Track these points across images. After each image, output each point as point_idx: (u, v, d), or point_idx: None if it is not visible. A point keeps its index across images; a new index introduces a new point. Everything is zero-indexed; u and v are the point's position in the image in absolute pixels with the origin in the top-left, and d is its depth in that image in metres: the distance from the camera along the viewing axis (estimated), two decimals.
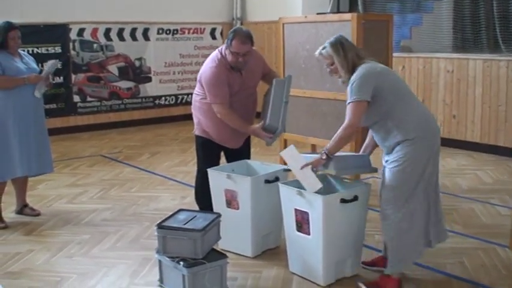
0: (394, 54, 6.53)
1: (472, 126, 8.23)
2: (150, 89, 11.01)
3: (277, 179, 4.48)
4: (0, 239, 5.13)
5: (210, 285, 3.89)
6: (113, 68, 10.52)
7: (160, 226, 3.95)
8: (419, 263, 4.28)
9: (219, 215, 4.17)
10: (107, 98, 10.53)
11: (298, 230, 4.12)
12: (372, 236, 4.90)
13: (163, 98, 11.18)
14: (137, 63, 10.79)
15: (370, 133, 4.13)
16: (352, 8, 10.06)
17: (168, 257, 3.93)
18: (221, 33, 11.47)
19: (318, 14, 6.08)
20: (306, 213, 4.00)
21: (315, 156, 4.05)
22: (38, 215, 5.72)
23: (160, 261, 4.08)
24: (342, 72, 3.95)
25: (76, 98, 10.18)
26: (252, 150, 5.37)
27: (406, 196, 3.80)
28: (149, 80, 10.97)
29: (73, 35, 10.01)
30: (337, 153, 3.97)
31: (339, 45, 3.96)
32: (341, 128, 3.86)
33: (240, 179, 4.51)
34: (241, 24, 11.56)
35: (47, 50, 9.62)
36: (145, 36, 10.80)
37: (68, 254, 4.78)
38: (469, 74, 8.18)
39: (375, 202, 4.44)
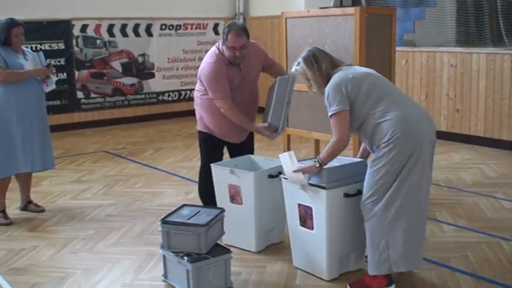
0: (397, 49, 6.52)
1: (476, 120, 8.21)
2: (154, 85, 11.01)
3: (280, 174, 4.47)
4: (5, 235, 5.15)
5: (214, 280, 3.89)
6: (116, 64, 10.53)
7: (164, 221, 3.96)
8: (423, 257, 4.27)
9: (222, 210, 4.18)
10: (110, 94, 10.54)
11: (302, 225, 4.12)
12: None
13: (166, 94, 11.19)
14: (140, 59, 10.79)
15: None
16: (355, 1, 10.02)
17: (172, 252, 3.94)
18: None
19: (320, 8, 6.05)
20: (310, 207, 4.00)
21: (309, 162, 4.02)
22: (43, 211, 5.73)
23: (164, 257, 4.09)
24: (317, 85, 3.93)
25: (79, 95, 10.20)
26: (256, 145, 5.37)
27: (379, 197, 3.72)
28: (152, 76, 10.98)
29: (76, 31, 10.02)
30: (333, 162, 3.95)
31: (312, 58, 3.93)
32: (332, 142, 3.80)
33: (243, 174, 4.52)
34: (244, 19, 11.56)
35: (50, 46, 9.62)
36: (149, 32, 10.80)
37: (73, 250, 4.79)
38: (473, 68, 8.16)
39: None
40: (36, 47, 9.21)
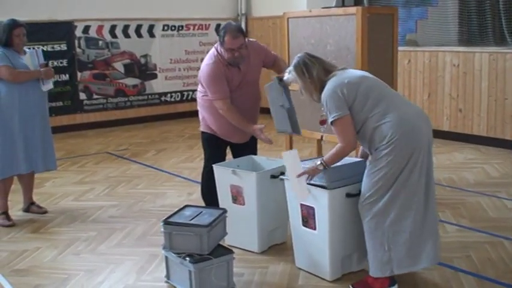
0: (400, 48, 6.50)
1: (479, 120, 8.20)
2: (156, 85, 11.01)
3: (282, 174, 4.46)
4: (7, 236, 5.15)
5: (217, 280, 3.89)
6: (119, 65, 10.53)
7: (166, 222, 3.95)
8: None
9: (225, 211, 4.18)
10: (112, 95, 10.54)
11: (304, 225, 4.12)
12: None
13: (169, 95, 11.19)
14: (143, 60, 10.80)
15: None
16: (357, 1, 10.03)
17: (175, 253, 3.94)
18: None
19: (322, 8, 6.05)
20: (312, 208, 4.00)
21: (311, 164, 3.98)
22: (45, 212, 5.73)
23: (166, 257, 4.09)
24: (308, 93, 3.92)
25: (82, 96, 10.20)
26: (258, 145, 5.35)
27: (378, 199, 3.72)
28: (155, 76, 10.98)
29: (78, 33, 10.03)
30: None
31: (302, 66, 3.89)
32: (338, 146, 3.78)
33: (245, 175, 4.51)
34: (246, 19, 11.56)
35: (53, 47, 9.64)
36: (151, 33, 10.80)
37: (75, 251, 4.79)
38: (475, 68, 8.14)
39: None
40: (38, 48, 9.19)
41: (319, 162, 3.85)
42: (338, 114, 3.72)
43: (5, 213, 5.47)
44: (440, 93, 8.62)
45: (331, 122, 3.77)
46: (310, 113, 6.07)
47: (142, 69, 10.82)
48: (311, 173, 3.89)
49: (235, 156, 5.13)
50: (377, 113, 3.71)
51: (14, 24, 5.33)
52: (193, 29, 11.26)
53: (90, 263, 4.55)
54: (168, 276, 4.14)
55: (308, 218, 4.06)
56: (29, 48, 5.66)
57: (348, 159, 4.18)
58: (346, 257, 4.11)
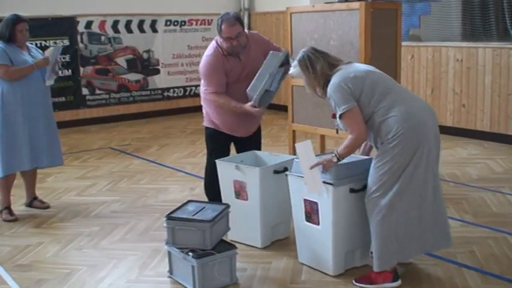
0: (403, 43, 6.49)
1: (482, 115, 8.18)
2: (159, 81, 11.00)
3: (285, 170, 4.46)
4: (10, 231, 5.15)
5: (220, 276, 3.89)
6: (121, 61, 10.52)
7: (169, 217, 3.95)
8: (430, 253, 4.25)
9: (228, 206, 4.17)
10: (115, 91, 10.53)
11: (308, 220, 4.11)
12: None
13: (171, 90, 11.17)
14: (145, 56, 10.79)
15: None
16: None
17: (178, 248, 3.93)
18: None
19: (326, 3, 6.03)
20: (315, 203, 3.99)
21: (325, 157, 3.97)
22: (48, 207, 5.73)
23: (169, 253, 4.09)
24: (310, 88, 3.92)
25: (85, 91, 10.20)
26: (262, 141, 5.33)
27: (384, 193, 3.72)
28: (157, 72, 10.97)
29: (81, 28, 10.02)
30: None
31: (307, 61, 3.88)
32: (350, 138, 3.77)
33: (248, 170, 4.50)
34: (249, 14, 11.54)
35: (55, 43, 9.60)
36: (153, 28, 10.79)
37: (78, 246, 4.79)
38: (479, 63, 8.12)
39: None
40: (40, 44, 9.21)
41: (333, 155, 3.84)
42: (346, 106, 3.71)
43: (8, 208, 5.47)
44: (443, 88, 8.60)
45: (340, 115, 3.76)
46: (313, 109, 6.07)
47: (145, 65, 10.81)
48: (325, 165, 3.87)
49: (239, 151, 5.11)
50: (383, 107, 3.70)
51: (17, 20, 5.32)
52: (196, 24, 11.25)
53: (93, 258, 4.55)
54: (171, 271, 4.13)
55: (311, 213, 4.05)
56: (31, 44, 5.66)
57: (354, 157, 4.18)
58: (349, 253, 4.10)
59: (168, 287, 4.06)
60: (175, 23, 11.01)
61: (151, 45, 10.81)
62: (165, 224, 3.97)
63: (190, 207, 4.10)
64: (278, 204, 4.57)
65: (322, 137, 6.59)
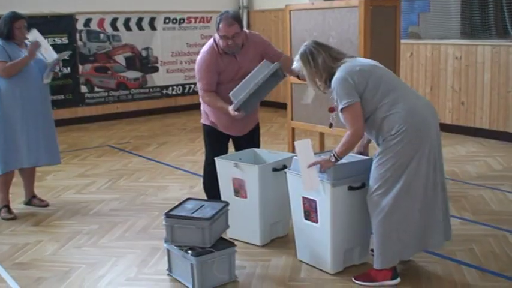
0: (402, 41, 6.48)
1: (481, 113, 8.17)
2: (158, 79, 11.00)
3: (284, 167, 4.45)
4: (9, 230, 5.15)
5: (219, 273, 3.89)
6: (120, 58, 10.52)
7: (168, 215, 3.95)
8: (429, 251, 4.25)
9: (227, 204, 4.17)
10: (114, 89, 10.53)
11: (306, 218, 4.11)
12: None
13: (170, 88, 11.17)
14: (144, 53, 10.78)
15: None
16: None
17: (177, 246, 3.93)
18: None
19: (325, 0, 6.03)
20: (314, 201, 3.99)
21: (323, 156, 3.96)
22: (47, 205, 5.73)
23: (168, 251, 4.08)
24: (311, 82, 3.90)
25: (83, 89, 10.19)
26: (261, 139, 5.32)
27: (387, 190, 3.72)
28: (156, 69, 10.97)
29: (79, 26, 10.02)
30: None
31: (308, 54, 3.86)
32: (347, 135, 3.77)
33: (247, 168, 4.50)
34: (248, 12, 11.53)
35: (54, 40, 9.61)
36: (152, 26, 10.78)
37: (77, 244, 4.79)
38: (478, 60, 8.12)
39: None
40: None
41: (331, 155, 3.84)
42: (349, 101, 3.70)
43: (7, 207, 5.47)
44: (442, 86, 8.59)
45: (341, 109, 3.74)
46: (312, 106, 6.07)
47: (144, 62, 10.80)
48: (323, 165, 3.87)
49: (237, 149, 5.11)
50: (386, 103, 3.70)
51: (15, 17, 5.32)
52: (195, 22, 11.24)
53: (92, 256, 4.55)
54: (170, 269, 4.13)
55: (310, 211, 4.04)
56: (30, 41, 5.65)
57: (352, 156, 4.17)
58: (348, 250, 4.09)
59: (167, 285, 4.06)
60: (174, 21, 11.00)
61: (150, 43, 10.81)
62: (164, 222, 3.97)
63: (189, 205, 4.10)
64: (277, 202, 4.57)
65: (322, 135, 6.58)
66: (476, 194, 5.76)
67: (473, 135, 8.21)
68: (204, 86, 4.84)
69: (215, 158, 4.73)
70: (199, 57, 4.88)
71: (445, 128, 8.21)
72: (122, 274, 4.22)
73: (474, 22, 8.62)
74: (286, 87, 6.48)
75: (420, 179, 3.71)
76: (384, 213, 3.75)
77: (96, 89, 10.32)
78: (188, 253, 3.83)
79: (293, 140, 6.37)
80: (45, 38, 5.70)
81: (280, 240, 4.71)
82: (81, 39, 10.05)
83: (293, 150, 6.28)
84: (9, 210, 5.45)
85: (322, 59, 3.84)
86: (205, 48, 4.86)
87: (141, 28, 10.66)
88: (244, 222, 4.58)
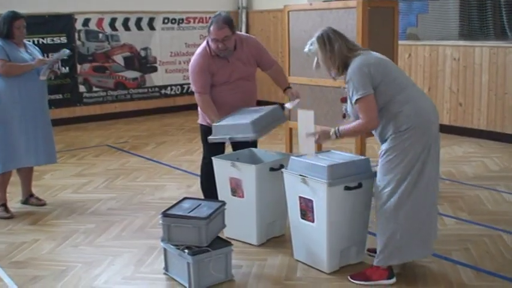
0: (400, 42, 6.49)
1: (479, 114, 8.19)
2: (156, 78, 11.00)
3: (282, 167, 4.46)
4: (6, 228, 5.15)
5: (215, 272, 3.90)
6: (119, 58, 10.52)
7: (165, 214, 3.95)
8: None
9: (223, 203, 4.18)
10: (112, 88, 10.53)
11: (303, 218, 4.12)
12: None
13: (169, 88, 11.17)
14: (143, 53, 10.78)
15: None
16: None
17: (173, 245, 3.94)
18: None
19: (323, 1, 6.04)
20: (310, 200, 4.00)
21: (324, 128, 4.01)
22: (44, 204, 5.73)
23: (165, 250, 4.09)
24: (326, 66, 3.90)
25: (82, 88, 10.19)
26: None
27: (394, 188, 3.74)
28: (155, 69, 10.97)
29: (78, 25, 10.02)
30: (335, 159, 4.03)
31: (325, 38, 3.87)
32: (359, 122, 3.78)
33: (244, 167, 4.51)
34: (247, 13, 11.54)
35: (52, 40, 9.61)
36: (151, 26, 10.78)
37: (74, 243, 4.79)
38: (476, 62, 8.13)
39: None
40: (38, 41, 9.21)
41: (333, 130, 3.86)
42: (364, 92, 3.71)
43: (4, 206, 5.47)
44: (440, 87, 8.61)
45: (356, 100, 3.75)
46: (311, 106, 6.06)
47: (143, 62, 10.80)
48: (320, 136, 3.94)
49: (235, 149, 5.11)
50: (398, 101, 3.74)
51: (14, 16, 5.32)
52: (194, 22, 11.25)
53: (89, 255, 4.55)
54: (166, 268, 4.14)
55: (306, 210, 4.05)
56: (29, 41, 5.66)
57: (349, 156, 4.18)
58: (345, 250, 4.10)
59: (164, 284, 4.07)
60: (173, 21, 11.01)
61: (148, 43, 10.81)
62: (160, 221, 3.98)
63: (186, 204, 4.11)
64: (274, 201, 4.57)
65: None
66: (473, 194, 5.78)
67: (471, 136, 8.22)
68: (197, 88, 4.88)
69: (212, 158, 4.74)
70: (192, 60, 4.93)
71: (443, 128, 8.19)
72: (119, 273, 4.23)
73: (472, 23, 8.64)
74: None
75: (426, 178, 3.75)
76: (390, 212, 3.77)
77: (94, 89, 10.32)
78: (185, 252, 3.83)
79: (291, 140, 6.39)
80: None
81: (277, 239, 4.71)
82: (79, 39, 10.05)
83: (291, 150, 6.30)
84: (6, 209, 5.46)
85: (339, 45, 3.84)
86: (198, 51, 4.90)
87: (139, 28, 10.67)
88: (241, 221, 4.59)
